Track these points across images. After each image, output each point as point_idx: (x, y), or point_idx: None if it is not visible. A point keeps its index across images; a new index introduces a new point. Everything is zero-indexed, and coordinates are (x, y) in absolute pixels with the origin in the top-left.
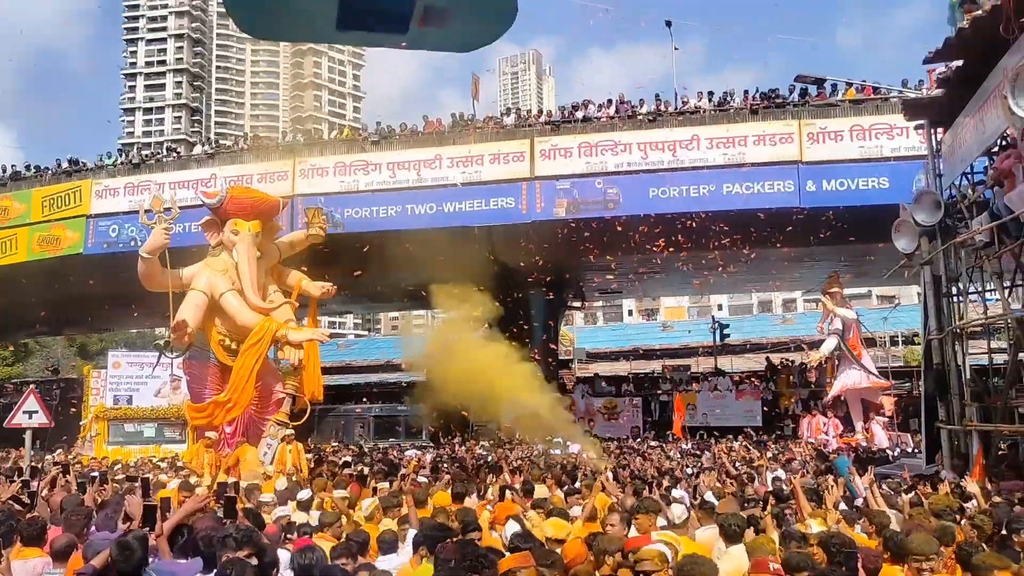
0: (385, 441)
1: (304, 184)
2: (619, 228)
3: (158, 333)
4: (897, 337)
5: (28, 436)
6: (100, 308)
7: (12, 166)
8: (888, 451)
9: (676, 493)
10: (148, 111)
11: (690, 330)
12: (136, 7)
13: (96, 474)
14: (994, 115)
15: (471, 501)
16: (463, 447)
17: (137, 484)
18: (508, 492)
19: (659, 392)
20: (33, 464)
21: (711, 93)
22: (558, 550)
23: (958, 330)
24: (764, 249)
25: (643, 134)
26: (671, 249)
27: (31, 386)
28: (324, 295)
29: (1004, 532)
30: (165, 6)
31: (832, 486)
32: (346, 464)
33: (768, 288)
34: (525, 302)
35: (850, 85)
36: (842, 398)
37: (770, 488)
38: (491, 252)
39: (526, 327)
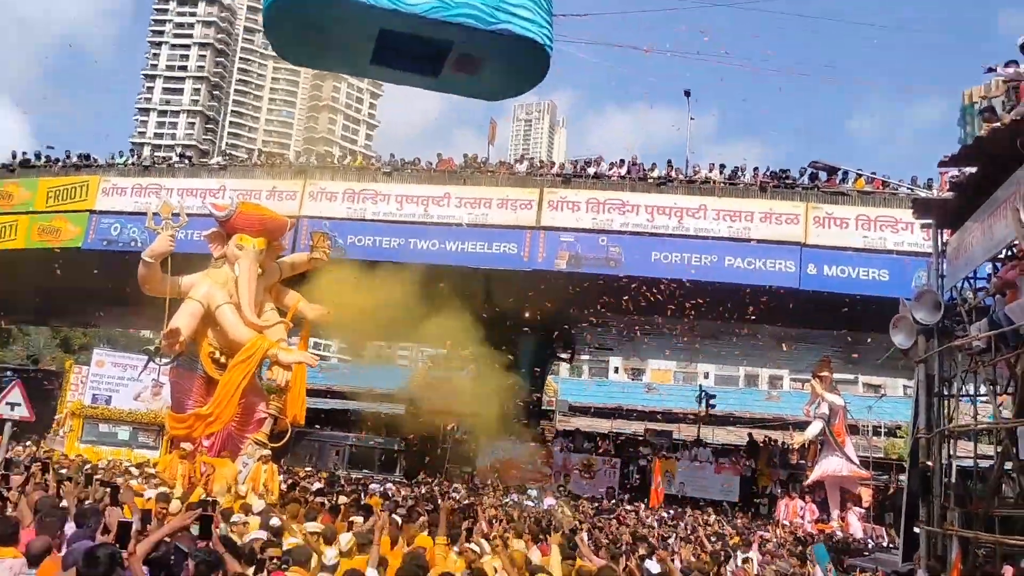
0: (359, 471)
1: (312, 206)
2: (617, 286)
3: (143, 336)
4: (880, 428)
5: (7, 428)
6: (90, 303)
7: (23, 153)
8: (863, 542)
9: (650, 565)
10: (163, 113)
11: (675, 394)
12: (165, 11)
13: (81, 475)
14: (1002, 225)
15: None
16: (436, 487)
17: (118, 493)
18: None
19: (639, 455)
20: (7, 456)
21: (723, 166)
22: None
23: (946, 432)
24: (758, 325)
25: (652, 197)
26: (668, 313)
27: (16, 379)
28: (320, 319)
29: None
30: (194, 14)
31: None
32: (319, 492)
33: (757, 363)
34: (515, 348)
35: (860, 175)
36: (821, 484)
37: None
38: (488, 295)
39: (513, 373)
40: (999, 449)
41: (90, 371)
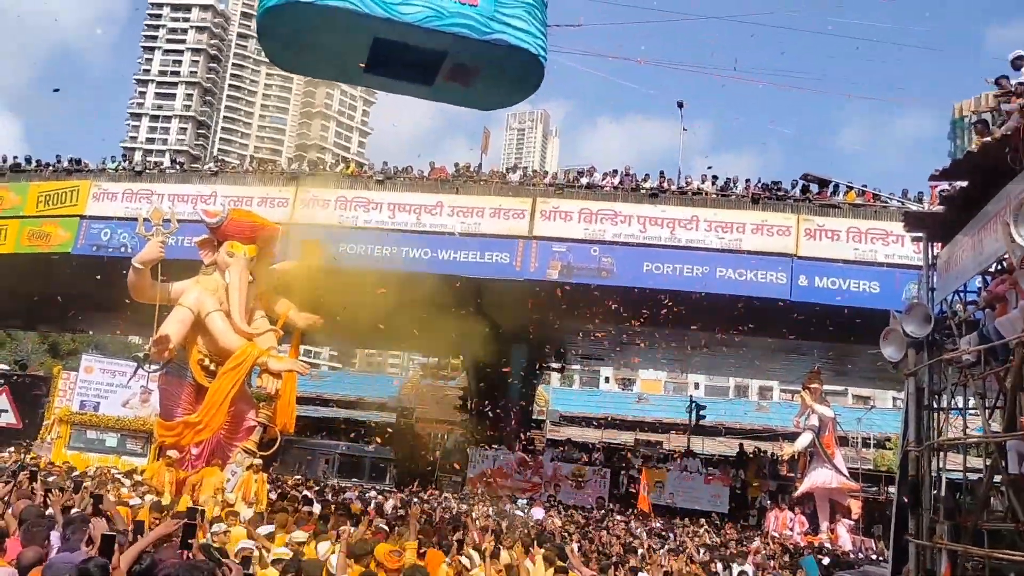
0: (348, 480)
1: (303, 214)
2: (609, 297)
3: (131, 341)
4: (870, 439)
5: None
6: (79, 308)
7: (14, 157)
8: (852, 555)
9: None
10: (155, 118)
11: (666, 404)
12: (159, 16)
13: (70, 482)
14: (993, 239)
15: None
16: (426, 497)
17: (101, 503)
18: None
19: (629, 465)
20: None
21: (715, 177)
22: None
23: (936, 445)
24: (749, 337)
25: (644, 208)
26: (659, 324)
27: (3, 385)
28: (310, 327)
29: None
30: (187, 19)
31: None
32: (307, 501)
33: (747, 374)
34: (505, 357)
35: (851, 188)
36: (811, 495)
37: None
38: (479, 304)
39: (503, 382)
40: (988, 463)
41: (78, 377)
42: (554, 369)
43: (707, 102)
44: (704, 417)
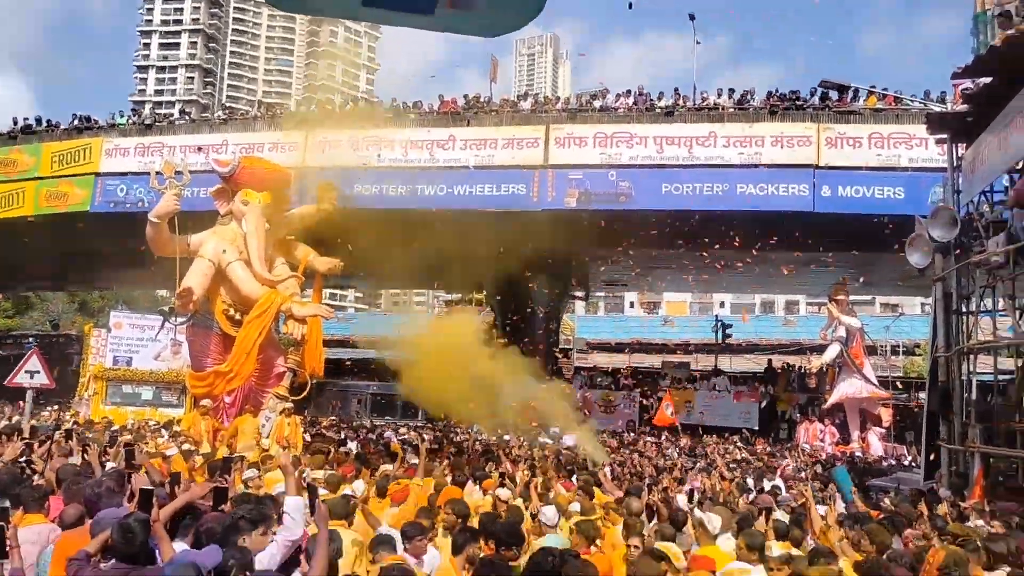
0: (381, 419)
1: (315, 157)
2: (628, 221)
3: (160, 295)
4: (899, 347)
5: (29, 396)
6: (104, 266)
7: (24, 119)
8: (884, 463)
9: (680, 500)
10: (161, 70)
11: (692, 325)
12: None
13: (107, 437)
14: (1019, 136)
15: (471, 488)
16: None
17: (132, 457)
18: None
19: (658, 388)
20: (32, 423)
21: (731, 90)
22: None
23: (965, 349)
24: (773, 251)
25: (659, 128)
26: (680, 246)
27: (34, 346)
28: (331, 271)
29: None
30: None
31: (832, 501)
32: (342, 442)
33: (773, 290)
34: (528, 288)
35: (872, 92)
36: (841, 406)
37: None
38: (499, 237)
39: (528, 313)
40: (1019, 363)
41: (108, 334)
42: (578, 297)
43: (724, 15)
44: (730, 335)
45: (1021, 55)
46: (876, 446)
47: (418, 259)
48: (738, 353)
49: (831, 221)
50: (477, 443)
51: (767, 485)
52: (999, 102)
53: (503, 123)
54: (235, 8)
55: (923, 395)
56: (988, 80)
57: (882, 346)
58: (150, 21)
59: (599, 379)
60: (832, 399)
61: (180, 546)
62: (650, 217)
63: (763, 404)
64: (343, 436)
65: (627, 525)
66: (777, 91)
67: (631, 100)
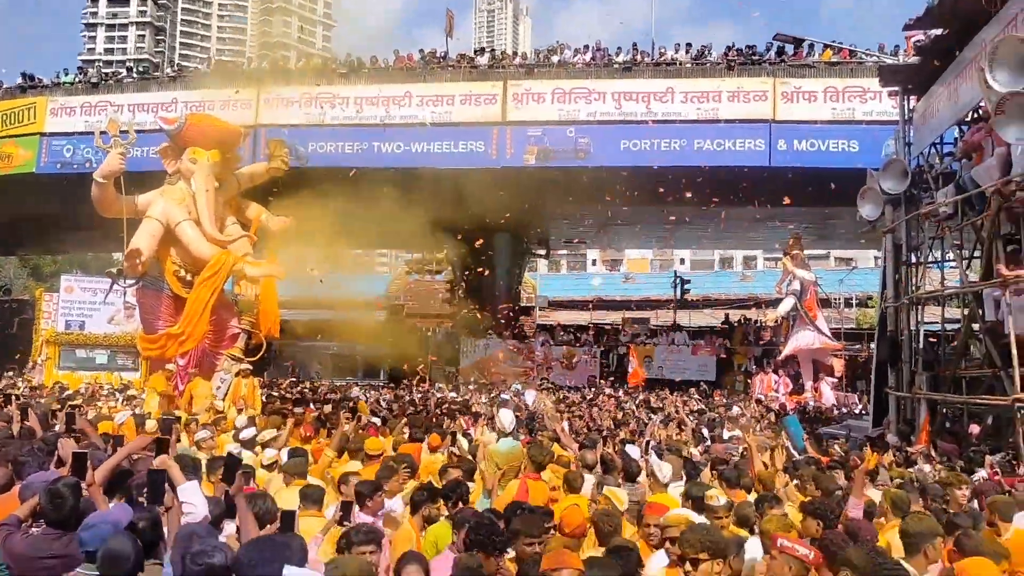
0: (342, 379)
1: (268, 115)
2: (588, 178)
3: (114, 258)
4: (852, 300)
5: None
6: (54, 229)
7: None
8: (835, 411)
9: (631, 449)
10: (111, 27)
11: (652, 282)
12: None
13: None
14: (968, 87)
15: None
16: (420, 390)
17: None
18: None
19: (618, 344)
20: None
21: (688, 45)
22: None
23: (914, 299)
24: (730, 207)
25: (618, 83)
26: (639, 203)
27: None
28: (284, 231)
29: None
30: None
31: (782, 448)
32: (297, 402)
33: (731, 245)
34: (489, 247)
35: (827, 46)
36: (795, 357)
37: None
38: (458, 196)
39: (489, 272)
40: (966, 312)
41: (60, 298)
42: (539, 255)
43: None
44: (689, 291)
45: (971, 6)
46: (828, 395)
47: (377, 219)
48: (698, 308)
49: (787, 175)
50: (435, 401)
51: (726, 435)
52: (950, 54)
53: (461, 79)
54: None
55: (874, 345)
56: (939, 32)
57: (836, 299)
58: None
59: (561, 335)
60: (786, 351)
61: (127, 510)
62: (609, 174)
63: (720, 357)
64: (303, 396)
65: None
66: (734, 46)
67: (589, 56)
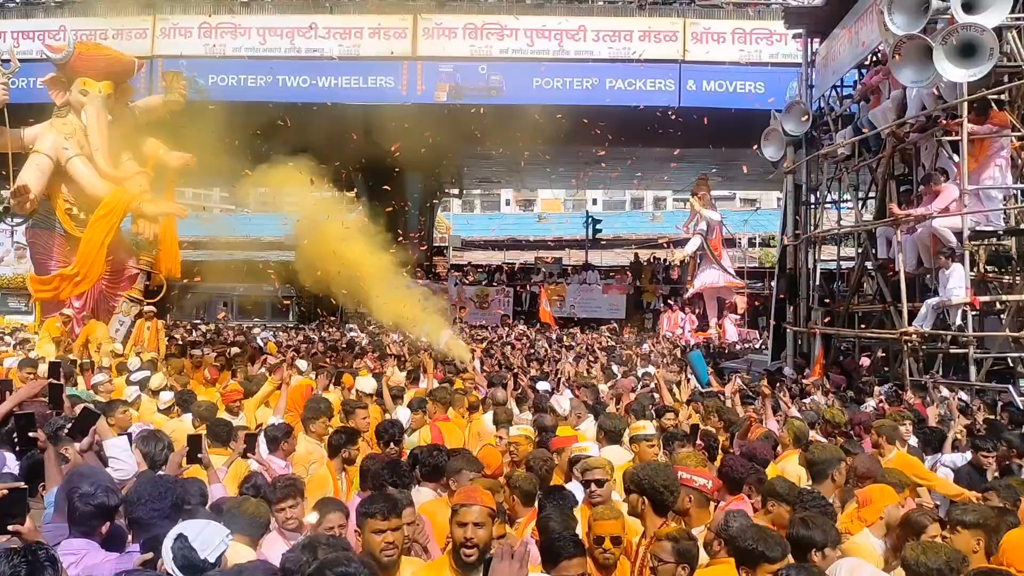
0: (250, 321)
1: (165, 45)
2: (499, 115)
3: (1, 195)
4: (755, 239)
5: None
6: None
7: None
8: (737, 346)
9: (541, 385)
10: None
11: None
12: None
13: None
14: (868, 29)
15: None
16: (331, 329)
17: None
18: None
19: (530, 283)
20: None
21: None
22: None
23: (812, 238)
24: (640, 148)
25: (530, 20)
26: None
27: None
28: (183, 167)
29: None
30: None
31: (686, 381)
32: (193, 344)
33: (641, 187)
34: (401, 185)
35: None
36: (700, 295)
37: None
38: (367, 133)
39: (402, 210)
40: (860, 250)
41: None
42: (452, 195)
43: None
44: (600, 231)
45: None
46: (732, 332)
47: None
48: (608, 248)
49: (695, 116)
50: (346, 341)
51: (640, 372)
52: None
53: (368, 11)
54: None
55: (774, 283)
56: None
57: (740, 239)
58: None
59: (476, 276)
60: (693, 289)
61: (8, 456)
62: (521, 112)
63: (629, 296)
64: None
65: (495, 415)
66: None
67: None
